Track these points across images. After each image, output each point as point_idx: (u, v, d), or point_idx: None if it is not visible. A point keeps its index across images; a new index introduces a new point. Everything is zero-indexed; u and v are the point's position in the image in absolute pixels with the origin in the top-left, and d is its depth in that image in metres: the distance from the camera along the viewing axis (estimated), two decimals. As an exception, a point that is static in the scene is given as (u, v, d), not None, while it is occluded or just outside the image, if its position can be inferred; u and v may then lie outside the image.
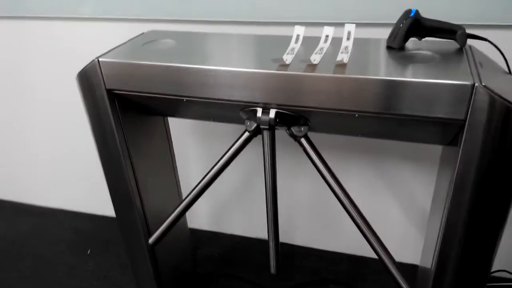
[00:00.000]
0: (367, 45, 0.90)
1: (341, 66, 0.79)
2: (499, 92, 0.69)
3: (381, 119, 0.79)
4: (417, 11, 0.81)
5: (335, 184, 0.93)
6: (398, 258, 1.50)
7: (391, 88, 0.73)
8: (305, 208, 1.51)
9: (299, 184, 1.45)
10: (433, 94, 0.71)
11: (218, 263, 1.55)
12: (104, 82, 0.91)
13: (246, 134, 0.95)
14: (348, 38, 0.89)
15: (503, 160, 0.73)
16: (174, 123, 1.47)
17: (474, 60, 0.78)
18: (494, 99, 0.68)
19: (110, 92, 0.93)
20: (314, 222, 1.53)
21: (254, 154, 1.45)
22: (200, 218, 1.69)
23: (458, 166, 0.76)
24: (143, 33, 1.08)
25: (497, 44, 0.84)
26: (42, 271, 1.54)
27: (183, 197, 1.32)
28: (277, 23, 1.18)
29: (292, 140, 0.94)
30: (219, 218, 1.67)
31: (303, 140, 0.92)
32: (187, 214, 1.65)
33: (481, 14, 1.00)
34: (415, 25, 0.81)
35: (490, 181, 0.75)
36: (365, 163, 1.35)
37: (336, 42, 0.89)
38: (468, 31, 0.82)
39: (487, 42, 0.83)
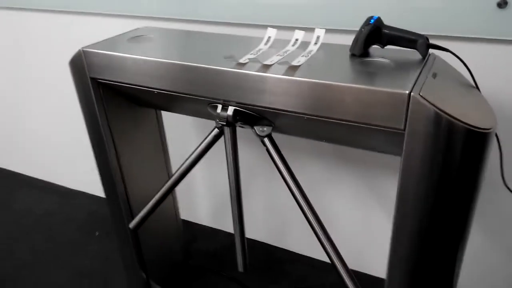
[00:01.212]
0: (334, 50, 0.90)
1: (293, 68, 0.80)
2: (436, 102, 0.67)
3: (332, 124, 0.79)
4: (378, 19, 0.81)
5: (293, 185, 0.94)
6: (362, 268, 1.47)
7: (329, 92, 0.73)
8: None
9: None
10: (372, 101, 0.71)
11: (211, 258, 1.59)
12: (87, 70, 0.99)
13: (215, 130, 0.99)
14: (315, 43, 0.90)
15: (444, 173, 0.71)
16: (176, 118, 1.53)
17: (429, 70, 0.76)
18: (429, 109, 0.66)
19: (94, 80, 1.01)
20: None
21: (254, 155, 1.47)
22: (200, 213, 1.75)
23: (400, 177, 0.75)
24: (137, 29, 1.15)
25: (473, 58, 0.81)
26: (49, 246, 1.67)
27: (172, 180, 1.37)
28: (261, 26, 1.21)
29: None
30: (219, 215, 1.71)
31: (266, 140, 0.94)
32: (184, 206, 1.72)
33: (457, 25, 0.96)
34: (375, 33, 0.81)
35: (432, 194, 0.73)
36: (335, 169, 1.33)
37: (306, 46, 0.90)
38: (438, 42, 0.80)
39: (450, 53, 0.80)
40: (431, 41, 0.79)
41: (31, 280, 1.51)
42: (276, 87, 0.78)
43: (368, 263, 1.47)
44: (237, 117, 0.89)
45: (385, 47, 0.84)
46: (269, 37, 0.94)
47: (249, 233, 1.67)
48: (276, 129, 0.94)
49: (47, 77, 1.75)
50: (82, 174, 1.95)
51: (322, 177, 1.37)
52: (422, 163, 0.71)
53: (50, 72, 1.72)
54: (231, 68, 0.82)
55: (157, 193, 1.13)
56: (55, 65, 1.69)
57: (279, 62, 0.83)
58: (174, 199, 1.42)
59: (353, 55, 0.85)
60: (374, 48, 0.87)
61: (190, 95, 0.90)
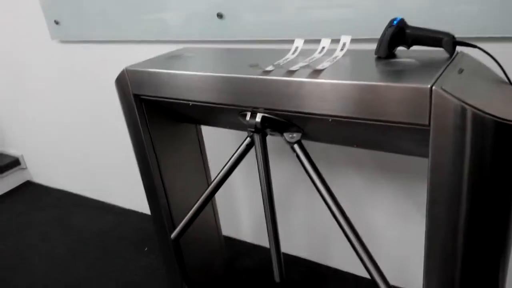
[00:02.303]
0: (360, 55, 0.91)
1: (317, 72, 0.82)
2: (460, 96, 0.66)
3: (358, 126, 0.80)
4: (401, 20, 0.81)
5: (326, 194, 0.94)
6: (404, 284, 1.39)
7: (351, 91, 0.74)
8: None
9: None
10: (395, 98, 0.71)
11: (253, 275, 1.59)
12: (130, 87, 1.07)
13: (248, 139, 1.02)
14: (341, 49, 0.91)
15: (474, 168, 0.68)
16: (215, 133, 1.58)
17: (455, 66, 0.75)
18: (452, 102, 0.65)
19: (136, 96, 1.08)
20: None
21: (295, 170, 1.48)
22: (242, 229, 1.76)
23: (429, 176, 0.73)
24: (176, 50, 1.23)
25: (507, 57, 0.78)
26: (102, 261, 1.76)
27: (216, 201, 1.41)
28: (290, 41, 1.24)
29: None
30: (261, 231, 1.72)
31: (295, 147, 0.95)
32: (227, 223, 1.74)
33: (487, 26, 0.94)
34: (399, 34, 0.81)
35: (464, 192, 0.70)
36: (366, 178, 1.29)
37: (333, 53, 0.92)
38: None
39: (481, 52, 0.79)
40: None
41: (85, 293, 1.59)
42: (300, 90, 0.80)
43: (410, 278, 1.41)
44: (266, 124, 0.91)
45: (412, 48, 0.83)
46: (297, 47, 0.97)
47: (291, 249, 1.66)
48: (305, 136, 0.96)
49: (102, 101, 1.88)
50: (134, 193, 2.05)
51: (361, 189, 1.35)
52: (451, 159, 0.69)
53: (105, 96, 1.86)
54: (256, 75, 0.85)
55: (196, 203, 1.17)
56: (110, 89, 1.82)
57: (304, 68, 0.85)
58: (216, 215, 1.46)
59: (379, 58, 0.86)
60: (400, 50, 0.87)
61: (221, 104, 0.94)
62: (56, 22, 1.75)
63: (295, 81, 0.80)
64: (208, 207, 1.40)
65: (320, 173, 0.95)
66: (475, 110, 0.65)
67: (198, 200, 1.16)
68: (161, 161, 1.19)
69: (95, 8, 1.59)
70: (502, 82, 0.78)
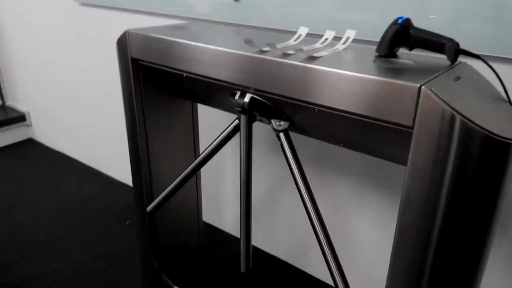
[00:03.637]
0: (361, 50, 0.88)
1: (311, 58, 0.79)
2: (450, 101, 0.62)
3: (344, 121, 0.77)
4: (407, 19, 0.78)
5: (303, 188, 0.91)
6: None
7: (339, 81, 0.71)
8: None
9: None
10: (382, 93, 0.68)
11: (227, 264, 1.56)
12: (129, 50, 1.06)
13: (236, 121, 1.00)
14: (344, 42, 0.89)
15: (454, 182, 0.65)
16: (213, 115, 1.56)
17: (453, 74, 0.72)
18: (440, 106, 0.62)
19: (134, 61, 1.07)
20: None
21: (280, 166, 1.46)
22: (227, 220, 1.74)
23: (405, 182, 0.69)
24: (183, 22, 1.22)
25: None
26: (82, 229, 1.75)
27: (200, 180, 1.39)
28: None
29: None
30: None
31: (281, 135, 0.93)
32: (210, 210, 1.72)
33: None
34: (402, 33, 0.78)
35: (442, 204, 0.67)
36: (346, 181, 1.26)
37: (334, 45, 0.90)
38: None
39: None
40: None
41: (56, 252, 1.58)
42: (290, 73, 0.78)
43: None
44: (254, 106, 0.89)
45: (416, 52, 0.80)
46: (300, 35, 0.94)
47: (271, 249, 1.63)
48: (294, 127, 0.93)
49: (110, 69, 1.88)
50: (126, 166, 2.04)
51: (344, 193, 1.32)
52: (431, 167, 0.66)
53: (114, 64, 1.86)
54: (250, 53, 0.83)
55: (176, 178, 1.15)
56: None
57: (299, 53, 0.83)
58: (199, 198, 1.44)
59: (379, 56, 0.83)
60: (403, 51, 0.84)
61: (212, 79, 0.92)
62: (79, -17, 1.75)
63: (286, 63, 0.78)
64: (191, 190, 1.38)
65: (302, 167, 0.92)
66: (464, 119, 0.62)
67: (179, 176, 1.14)
68: (149, 131, 1.17)
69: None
70: (501, 99, 0.74)
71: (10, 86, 2.56)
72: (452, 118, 0.62)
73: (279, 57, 0.80)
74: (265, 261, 1.59)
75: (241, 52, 0.83)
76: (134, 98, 1.11)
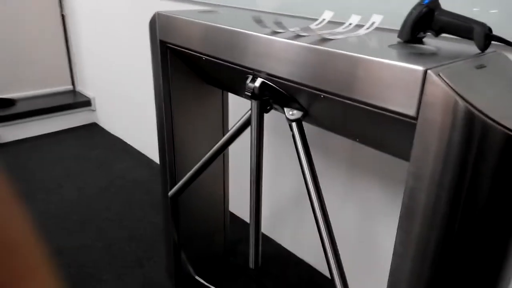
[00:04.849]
0: (384, 36, 0.80)
1: (323, 41, 0.73)
2: (462, 90, 0.53)
3: (351, 110, 0.70)
4: (435, 0, 0.69)
5: (310, 179, 0.84)
6: None
7: (343, 63, 0.65)
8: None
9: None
10: (384, 77, 0.60)
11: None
12: (157, 33, 1.07)
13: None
14: (368, 28, 0.81)
15: (464, 184, 0.56)
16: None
17: (477, 61, 0.62)
18: (445, 91, 0.53)
19: (162, 43, 1.08)
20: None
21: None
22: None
23: (407, 181, 0.61)
24: (212, 7, 1.20)
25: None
26: (122, 209, 1.81)
27: (228, 171, 1.37)
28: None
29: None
30: (274, 225, 1.64)
31: (293, 125, 0.87)
32: (239, 204, 1.69)
33: None
34: (427, 16, 0.69)
35: (447, 208, 0.58)
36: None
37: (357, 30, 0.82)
38: None
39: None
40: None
41: (93, 228, 1.65)
42: (297, 56, 0.73)
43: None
44: (265, 92, 0.84)
45: (447, 37, 0.71)
46: (323, 20, 0.88)
47: (302, 252, 1.56)
48: (308, 118, 0.87)
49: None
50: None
51: (350, 189, 1.22)
52: (433, 164, 0.57)
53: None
54: (256, 32, 0.79)
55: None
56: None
57: (311, 34, 0.77)
58: (226, 190, 1.41)
59: (400, 42, 0.74)
60: (434, 38, 0.74)
61: (227, 62, 0.89)
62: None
63: (293, 44, 0.73)
64: (218, 180, 1.36)
65: (312, 161, 0.86)
66: (477, 112, 0.53)
67: (196, 160, 1.13)
68: (175, 115, 1.17)
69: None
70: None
71: (80, 72, 2.75)
72: (464, 110, 0.53)
73: (287, 38, 0.75)
74: (292, 265, 1.53)
75: (250, 32, 0.80)
76: (161, 81, 1.12)
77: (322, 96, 0.72)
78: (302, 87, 0.75)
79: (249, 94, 0.86)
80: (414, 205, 0.61)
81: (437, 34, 0.70)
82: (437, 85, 0.54)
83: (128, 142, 2.45)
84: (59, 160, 2.22)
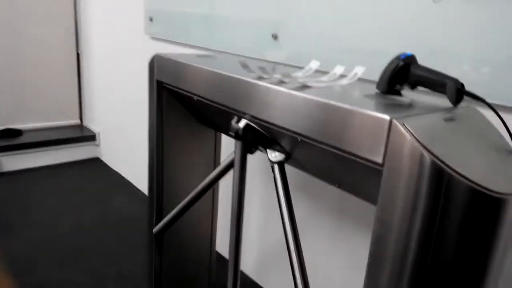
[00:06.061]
0: (363, 86, 0.82)
1: (303, 87, 0.76)
2: (423, 138, 0.55)
3: (327, 155, 0.71)
4: (411, 56, 0.72)
5: (288, 223, 0.85)
6: None
7: (318, 110, 0.67)
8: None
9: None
10: (354, 124, 0.62)
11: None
12: (155, 73, 1.11)
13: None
14: (351, 78, 0.84)
15: (428, 232, 0.56)
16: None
17: (447, 114, 0.64)
18: (409, 141, 0.55)
19: (159, 83, 1.12)
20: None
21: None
22: (246, 261, 1.67)
23: (374, 229, 0.61)
24: (212, 53, 1.26)
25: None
26: (115, 244, 1.80)
27: (217, 211, 1.37)
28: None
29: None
30: (266, 269, 1.61)
31: (275, 167, 0.89)
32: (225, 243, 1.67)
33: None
34: (402, 70, 0.72)
35: (413, 257, 0.58)
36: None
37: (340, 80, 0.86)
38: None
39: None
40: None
41: (82, 261, 1.64)
42: (275, 99, 0.75)
43: None
44: (249, 133, 0.87)
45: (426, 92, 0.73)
46: (310, 68, 0.92)
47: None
48: (291, 161, 0.89)
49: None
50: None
51: (329, 236, 1.20)
52: (399, 214, 0.58)
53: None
54: (242, 76, 0.82)
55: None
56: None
57: (296, 83, 0.80)
58: (213, 230, 1.40)
59: (378, 93, 0.77)
60: (407, 90, 0.77)
61: (215, 103, 0.92)
62: (151, 19, 1.92)
63: (272, 89, 0.76)
64: (206, 218, 1.36)
65: (291, 204, 0.86)
66: (439, 162, 0.54)
67: (185, 198, 1.14)
68: (166, 152, 1.20)
69: (178, 14, 1.72)
70: (508, 151, 0.64)
71: (88, 107, 2.82)
72: (423, 159, 0.54)
73: (271, 83, 0.78)
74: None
75: (236, 76, 0.83)
76: (155, 118, 1.15)
77: (299, 139, 0.74)
78: (281, 130, 0.77)
79: (233, 134, 0.88)
80: (382, 253, 0.61)
81: (412, 87, 0.73)
82: (401, 134, 0.56)
83: (128, 178, 2.47)
84: (57, 192, 2.24)
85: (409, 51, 0.74)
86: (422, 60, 0.73)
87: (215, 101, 0.92)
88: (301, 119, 0.71)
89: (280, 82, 0.79)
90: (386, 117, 0.57)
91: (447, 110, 0.66)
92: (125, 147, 2.43)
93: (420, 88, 0.73)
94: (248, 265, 1.69)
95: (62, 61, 2.72)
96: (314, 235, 1.34)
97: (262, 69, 0.84)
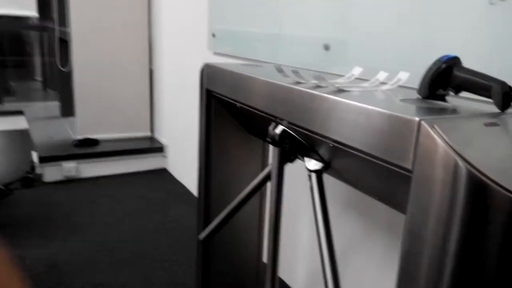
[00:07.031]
0: (404, 92, 0.77)
1: (339, 91, 0.73)
2: (456, 143, 0.50)
3: (360, 162, 0.68)
4: (454, 58, 0.66)
5: (324, 235, 0.81)
6: None
7: (348, 113, 0.64)
8: None
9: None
10: (382, 128, 0.58)
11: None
12: (204, 82, 1.14)
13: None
14: (393, 84, 0.80)
15: (466, 244, 0.50)
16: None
17: (489, 119, 0.57)
18: (440, 145, 0.50)
19: (208, 92, 1.15)
20: None
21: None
22: (297, 274, 1.62)
23: (403, 240, 0.56)
24: (263, 63, 1.26)
25: None
26: (168, 251, 1.86)
27: (264, 219, 1.36)
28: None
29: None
30: (315, 282, 1.56)
31: (312, 176, 0.86)
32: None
33: None
34: (444, 74, 0.66)
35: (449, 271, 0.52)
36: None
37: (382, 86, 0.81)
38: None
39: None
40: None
41: (134, 266, 1.70)
42: (310, 103, 0.73)
43: None
44: (286, 140, 0.85)
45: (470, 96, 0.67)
46: (352, 75, 0.89)
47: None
48: (329, 171, 0.85)
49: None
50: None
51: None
52: (431, 224, 0.52)
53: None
54: (279, 81, 0.81)
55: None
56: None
57: (334, 87, 0.77)
58: (261, 242, 1.39)
59: (419, 98, 0.72)
60: (452, 96, 0.71)
61: (255, 109, 0.92)
62: (213, 35, 1.99)
63: (306, 93, 0.74)
64: (252, 228, 1.35)
65: (328, 215, 0.83)
66: (473, 169, 0.49)
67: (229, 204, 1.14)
68: (214, 160, 1.22)
69: (238, 30, 1.76)
70: None
71: (159, 120, 2.98)
72: (457, 166, 0.49)
73: (307, 88, 0.76)
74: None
75: (273, 81, 0.83)
76: (204, 127, 1.18)
77: (331, 145, 0.71)
78: (314, 135, 0.75)
79: (270, 140, 0.87)
80: (413, 269, 0.56)
81: (456, 91, 0.67)
82: (431, 137, 0.51)
83: (190, 190, 2.55)
84: (124, 198, 2.38)
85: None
86: (478, 66, 0.67)
87: (254, 106, 0.92)
88: (330, 122, 0.68)
89: (316, 87, 0.77)
90: (415, 118, 0.53)
91: (492, 115, 0.59)
92: (189, 158, 2.52)
93: (469, 94, 0.67)
94: (299, 282, 1.64)
95: (137, 76, 2.91)
96: (366, 256, 1.27)
97: (297, 74, 0.83)
